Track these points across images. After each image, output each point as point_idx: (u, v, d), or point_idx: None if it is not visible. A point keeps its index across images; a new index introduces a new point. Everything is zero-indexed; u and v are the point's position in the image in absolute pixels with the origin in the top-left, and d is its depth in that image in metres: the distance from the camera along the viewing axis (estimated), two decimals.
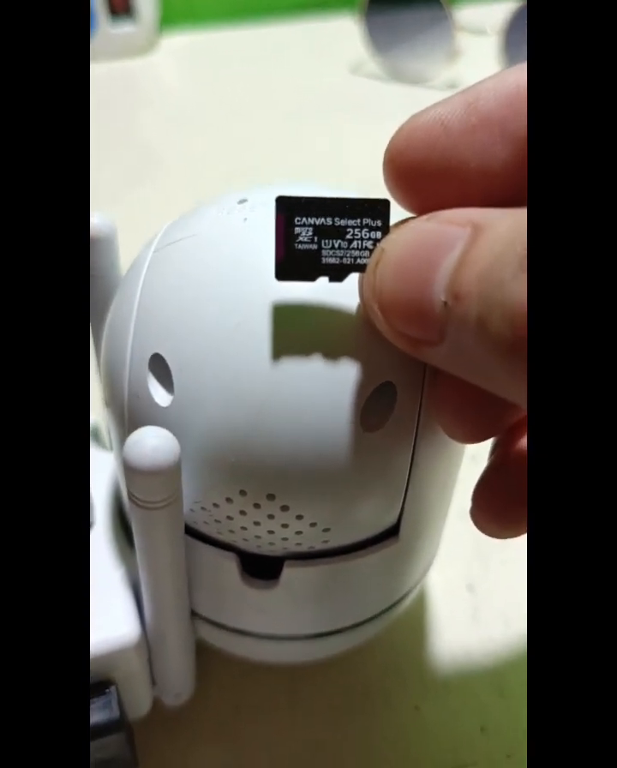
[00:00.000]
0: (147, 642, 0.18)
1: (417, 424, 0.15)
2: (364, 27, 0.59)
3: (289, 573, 0.17)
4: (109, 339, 0.16)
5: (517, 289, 0.10)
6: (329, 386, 0.14)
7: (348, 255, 0.13)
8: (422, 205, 0.13)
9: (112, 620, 0.18)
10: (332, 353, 0.14)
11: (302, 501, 0.15)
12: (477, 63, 0.54)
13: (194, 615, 0.19)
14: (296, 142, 0.52)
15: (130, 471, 0.13)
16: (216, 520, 0.16)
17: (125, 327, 0.15)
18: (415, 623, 0.24)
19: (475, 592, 0.25)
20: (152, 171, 0.51)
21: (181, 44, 0.67)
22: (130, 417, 0.15)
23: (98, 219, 0.18)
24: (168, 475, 0.13)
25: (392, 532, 0.17)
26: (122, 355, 0.15)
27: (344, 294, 0.14)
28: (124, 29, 0.64)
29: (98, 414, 0.23)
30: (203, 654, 0.21)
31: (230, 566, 0.17)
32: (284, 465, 0.14)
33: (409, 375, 0.15)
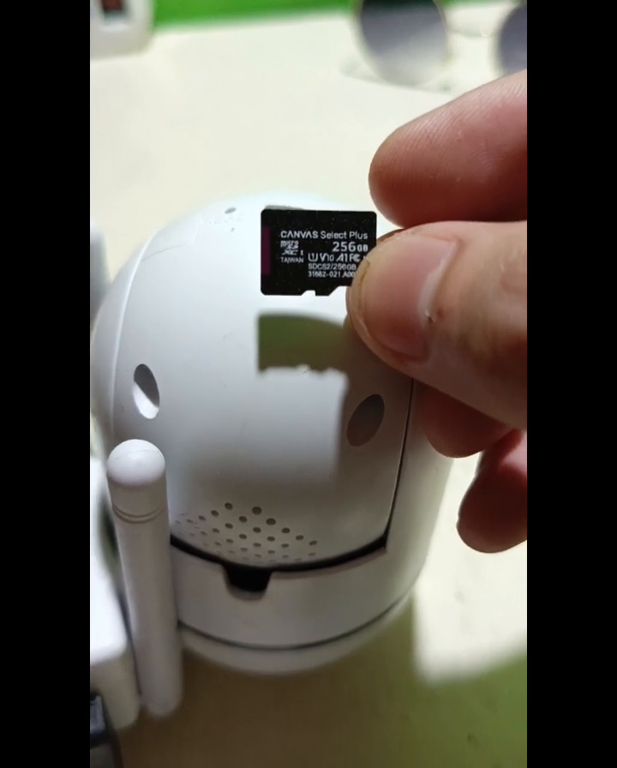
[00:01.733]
0: (133, 653, 0.18)
1: (405, 437, 0.15)
2: (358, 27, 0.58)
3: (275, 585, 0.17)
4: (95, 348, 0.16)
5: (499, 307, 0.10)
6: (316, 399, 0.14)
7: (334, 268, 0.13)
8: (408, 217, 0.13)
9: (97, 631, 0.18)
10: (319, 366, 0.14)
11: (288, 514, 0.15)
12: (471, 65, 0.54)
13: (180, 624, 0.19)
14: (289, 142, 0.52)
15: (114, 485, 0.13)
16: (202, 532, 0.16)
17: (111, 337, 0.15)
18: (403, 632, 0.24)
19: (464, 601, 0.25)
20: (144, 170, 0.51)
21: (174, 42, 0.67)
22: (116, 429, 0.15)
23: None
24: (152, 489, 0.13)
25: (380, 544, 0.17)
26: (109, 365, 0.15)
27: (331, 307, 0.14)
28: (117, 27, 0.64)
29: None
30: (190, 662, 0.20)
31: (216, 578, 0.17)
32: (271, 478, 0.14)
33: (396, 387, 0.15)
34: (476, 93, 0.12)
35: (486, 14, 0.53)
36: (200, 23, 0.69)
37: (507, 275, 0.10)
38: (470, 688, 0.23)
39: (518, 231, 0.10)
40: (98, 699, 0.18)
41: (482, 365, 0.10)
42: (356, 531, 0.16)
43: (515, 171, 0.12)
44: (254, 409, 0.14)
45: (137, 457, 0.13)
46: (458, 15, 0.54)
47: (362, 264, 0.13)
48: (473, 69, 0.54)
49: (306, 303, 0.14)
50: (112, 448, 0.15)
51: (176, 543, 0.16)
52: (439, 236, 0.11)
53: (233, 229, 0.15)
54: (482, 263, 0.10)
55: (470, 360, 0.10)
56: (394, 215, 0.13)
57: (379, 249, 0.12)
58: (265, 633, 0.18)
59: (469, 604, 0.25)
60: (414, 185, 0.13)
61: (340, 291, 0.13)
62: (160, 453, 0.13)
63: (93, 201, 0.49)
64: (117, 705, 0.19)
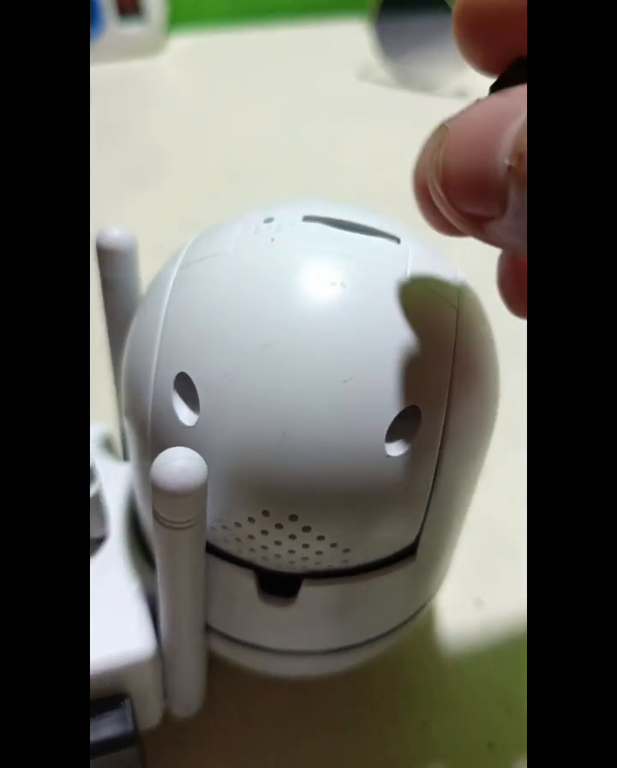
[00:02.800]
0: (162, 656, 0.18)
1: (441, 447, 0.15)
2: (374, 32, 0.59)
3: (306, 591, 0.17)
4: (132, 354, 0.16)
5: None
6: (355, 409, 0.14)
7: None
8: (495, 57, 0.12)
9: (127, 634, 0.18)
10: (358, 377, 0.14)
11: (324, 522, 0.15)
12: None
13: (207, 628, 0.19)
14: (303, 146, 0.52)
15: (158, 491, 0.13)
16: (236, 538, 0.16)
17: (150, 345, 0.15)
18: (423, 638, 0.24)
19: (483, 607, 0.25)
20: (159, 171, 0.51)
21: (188, 44, 0.67)
22: (154, 435, 0.15)
23: (120, 232, 0.18)
24: (195, 496, 0.13)
25: (410, 551, 0.17)
26: (147, 372, 0.15)
27: (371, 317, 0.14)
28: (132, 29, 0.64)
29: (113, 425, 0.23)
30: (212, 664, 0.21)
31: (247, 583, 0.17)
32: (308, 486, 0.14)
33: (434, 398, 0.15)
34: None
35: None
36: (216, 26, 0.70)
37: None
38: (490, 695, 0.23)
39: None
40: (126, 701, 0.18)
41: None
42: (388, 539, 0.16)
43: None
44: (293, 418, 0.14)
45: (182, 464, 0.13)
46: None
47: (439, 130, 0.12)
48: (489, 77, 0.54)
49: (346, 313, 0.14)
50: (149, 453, 0.16)
51: (208, 548, 0.17)
52: (522, 93, 0.11)
53: (273, 239, 0.15)
54: None
55: None
56: (480, 56, 0.12)
57: (457, 114, 0.12)
58: (292, 638, 0.19)
59: (488, 610, 0.25)
60: (502, 21, 0.12)
61: (377, 306, 0.14)
62: (203, 461, 0.13)
63: (108, 202, 0.49)
64: (144, 708, 0.19)
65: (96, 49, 0.63)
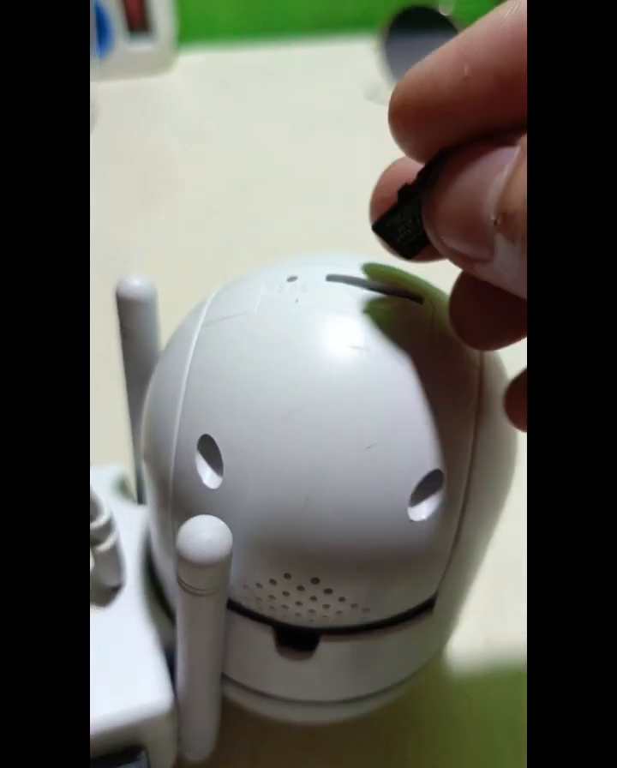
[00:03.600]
0: (178, 707, 0.18)
1: (462, 508, 0.15)
2: (382, 52, 0.59)
3: (324, 646, 0.17)
4: (154, 412, 0.16)
5: None
6: (379, 475, 0.14)
7: None
8: (423, 148, 0.13)
9: (144, 687, 0.18)
10: (381, 442, 0.14)
11: (345, 585, 0.15)
12: None
13: (222, 676, 0.19)
14: (311, 166, 0.53)
15: (184, 562, 0.13)
16: (257, 597, 0.16)
17: (173, 403, 0.15)
18: (433, 679, 0.24)
19: (492, 645, 0.25)
20: (168, 188, 0.51)
21: (197, 61, 0.68)
22: (176, 495, 0.15)
23: (139, 281, 0.18)
24: (220, 567, 0.13)
25: (428, 605, 0.17)
26: (169, 430, 0.15)
27: (394, 382, 0.14)
28: (142, 47, 0.64)
29: (128, 467, 0.23)
30: (225, 706, 0.20)
31: (265, 637, 0.17)
32: (331, 551, 0.14)
33: (456, 462, 0.15)
34: (485, 23, 0.12)
35: None
36: (225, 43, 0.70)
37: None
38: (499, 736, 0.23)
39: None
40: (142, 753, 0.18)
41: None
42: (408, 597, 0.16)
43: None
44: (317, 483, 0.14)
45: (208, 535, 0.13)
46: None
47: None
48: None
49: (370, 380, 0.14)
50: (169, 507, 0.16)
51: (228, 603, 0.17)
52: (506, 141, 0.12)
53: (297, 300, 0.15)
54: None
55: None
56: (411, 147, 0.13)
57: (449, 157, 0.13)
58: (307, 689, 0.19)
59: (497, 649, 0.25)
60: (427, 126, 0.13)
61: (399, 374, 0.14)
62: (228, 530, 0.13)
63: (117, 220, 0.49)
64: (158, 757, 0.19)
65: (105, 66, 0.63)
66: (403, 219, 0.14)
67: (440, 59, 0.12)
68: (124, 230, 0.46)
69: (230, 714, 0.22)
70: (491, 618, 0.26)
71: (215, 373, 0.15)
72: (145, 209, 0.49)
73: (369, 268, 0.16)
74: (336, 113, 0.59)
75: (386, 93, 0.59)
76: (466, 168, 0.12)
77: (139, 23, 0.64)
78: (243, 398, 0.14)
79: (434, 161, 0.13)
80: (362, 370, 0.14)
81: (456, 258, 0.13)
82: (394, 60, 0.59)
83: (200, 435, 0.15)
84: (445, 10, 0.56)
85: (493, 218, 0.11)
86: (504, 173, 0.11)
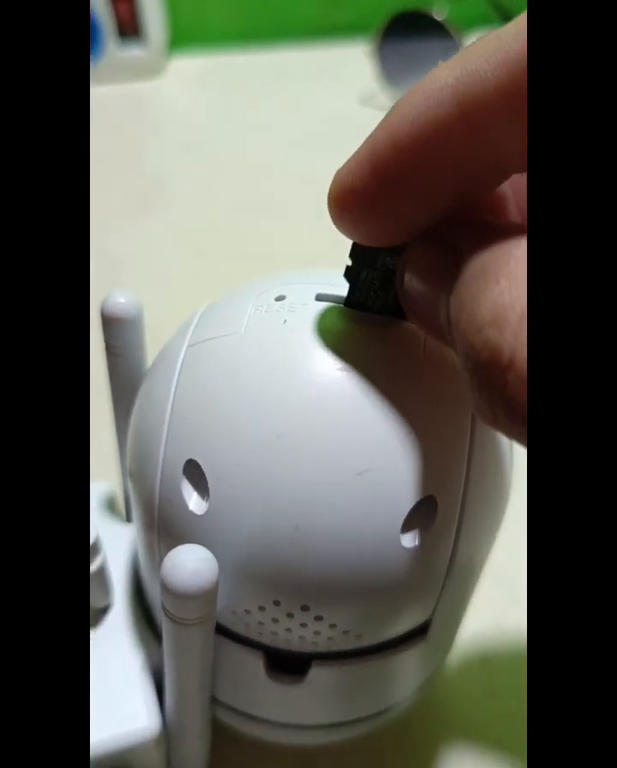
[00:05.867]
0: (167, 731, 0.18)
1: (456, 533, 0.15)
2: (376, 57, 0.58)
3: (316, 672, 0.16)
4: (140, 434, 0.16)
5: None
6: (370, 502, 0.14)
7: None
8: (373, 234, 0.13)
9: (132, 712, 0.17)
10: (373, 468, 0.14)
11: (336, 612, 0.15)
12: None
13: (213, 699, 0.19)
14: (304, 171, 0.52)
15: (169, 592, 0.13)
16: (246, 623, 0.15)
17: (159, 426, 0.15)
18: (429, 701, 0.24)
19: (489, 666, 0.25)
20: (159, 194, 0.51)
21: (190, 67, 0.67)
22: (161, 520, 0.15)
23: (125, 298, 0.18)
24: (206, 597, 0.13)
25: (422, 630, 0.17)
26: (155, 453, 0.15)
27: (386, 406, 0.14)
28: (133, 52, 0.64)
29: (116, 484, 0.23)
30: (217, 729, 0.20)
31: (256, 663, 0.16)
32: (321, 579, 0.14)
33: (450, 486, 0.14)
34: (383, 130, 0.12)
35: None
36: (217, 48, 0.69)
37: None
38: (498, 756, 0.23)
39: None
40: None
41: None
42: (401, 623, 0.16)
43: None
44: (307, 511, 0.14)
45: (193, 566, 0.12)
46: None
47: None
48: None
49: (360, 404, 0.14)
50: (155, 529, 0.15)
51: (217, 628, 0.16)
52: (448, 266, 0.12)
53: (285, 321, 0.15)
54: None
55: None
56: (349, 233, 0.14)
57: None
58: (299, 713, 0.18)
59: (495, 669, 0.25)
60: (365, 211, 0.13)
61: (396, 397, 0.14)
62: (215, 560, 0.13)
63: (109, 229, 0.48)
64: None
65: (96, 71, 0.63)
66: (369, 293, 0.15)
67: (352, 169, 0.13)
68: (113, 239, 0.45)
69: (222, 736, 0.22)
70: (487, 638, 0.26)
71: (201, 396, 0.15)
72: (137, 215, 0.48)
73: None
74: (330, 119, 0.58)
75: (381, 98, 0.59)
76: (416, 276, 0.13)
77: (130, 28, 0.63)
78: (230, 422, 0.14)
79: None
80: (352, 394, 0.14)
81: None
82: (388, 65, 0.59)
83: (186, 459, 0.14)
84: (438, 15, 0.56)
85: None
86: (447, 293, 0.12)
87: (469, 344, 0.10)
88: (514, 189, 0.14)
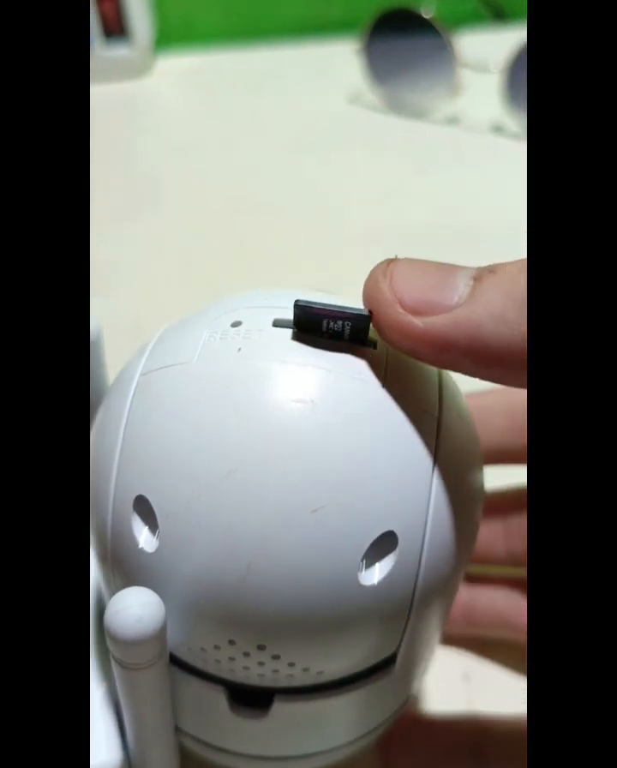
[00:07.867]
0: (130, 765, 0.17)
1: (418, 570, 0.14)
2: (364, 55, 0.58)
3: (279, 706, 0.16)
4: (93, 465, 0.15)
5: None
6: (326, 538, 0.13)
7: None
8: None
9: (94, 745, 0.17)
10: (329, 504, 0.13)
11: (294, 651, 0.14)
12: (479, 99, 0.53)
13: (178, 730, 0.18)
14: (292, 170, 0.51)
15: (113, 639, 0.12)
16: (204, 659, 0.15)
17: (110, 459, 0.15)
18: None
19: (470, 681, 0.25)
20: (147, 194, 0.50)
21: (177, 66, 0.66)
22: (113, 556, 0.15)
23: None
24: (152, 643, 0.12)
25: (389, 661, 0.16)
26: (106, 488, 0.15)
27: (343, 438, 0.13)
28: (119, 51, 0.63)
29: None
30: (185, 756, 0.20)
31: (218, 697, 0.16)
32: (276, 619, 0.13)
33: (411, 519, 0.14)
34: None
35: (495, 48, 0.52)
36: (204, 47, 0.68)
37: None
38: None
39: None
40: None
41: None
42: (364, 658, 0.15)
43: None
44: (259, 550, 0.13)
45: (137, 612, 0.12)
46: (466, 49, 0.53)
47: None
48: (481, 104, 0.53)
49: (315, 435, 0.13)
50: (109, 562, 0.15)
51: (175, 661, 0.16)
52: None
53: (239, 349, 0.14)
54: None
55: None
56: None
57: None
58: (266, 746, 0.18)
59: (475, 686, 0.25)
60: None
61: (353, 433, 0.13)
62: (161, 603, 0.12)
63: (95, 232, 0.48)
64: None
65: None
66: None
67: None
68: (102, 237, 0.44)
69: (190, 763, 0.21)
70: (468, 654, 0.25)
71: (151, 429, 0.14)
72: (124, 216, 0.47)
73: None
74: (318, 117, 0.58)
75: (369, 97, 0.58)
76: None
77: (116, 27, 0.62)
78: (179, 457, 0.13)
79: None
80: (308, 427, 0.13)
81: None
82: (376, 63, 0.58)
83: (135, 494, 0.14)
84: (427, 13, 0.55)
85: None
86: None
87: None
88: None
